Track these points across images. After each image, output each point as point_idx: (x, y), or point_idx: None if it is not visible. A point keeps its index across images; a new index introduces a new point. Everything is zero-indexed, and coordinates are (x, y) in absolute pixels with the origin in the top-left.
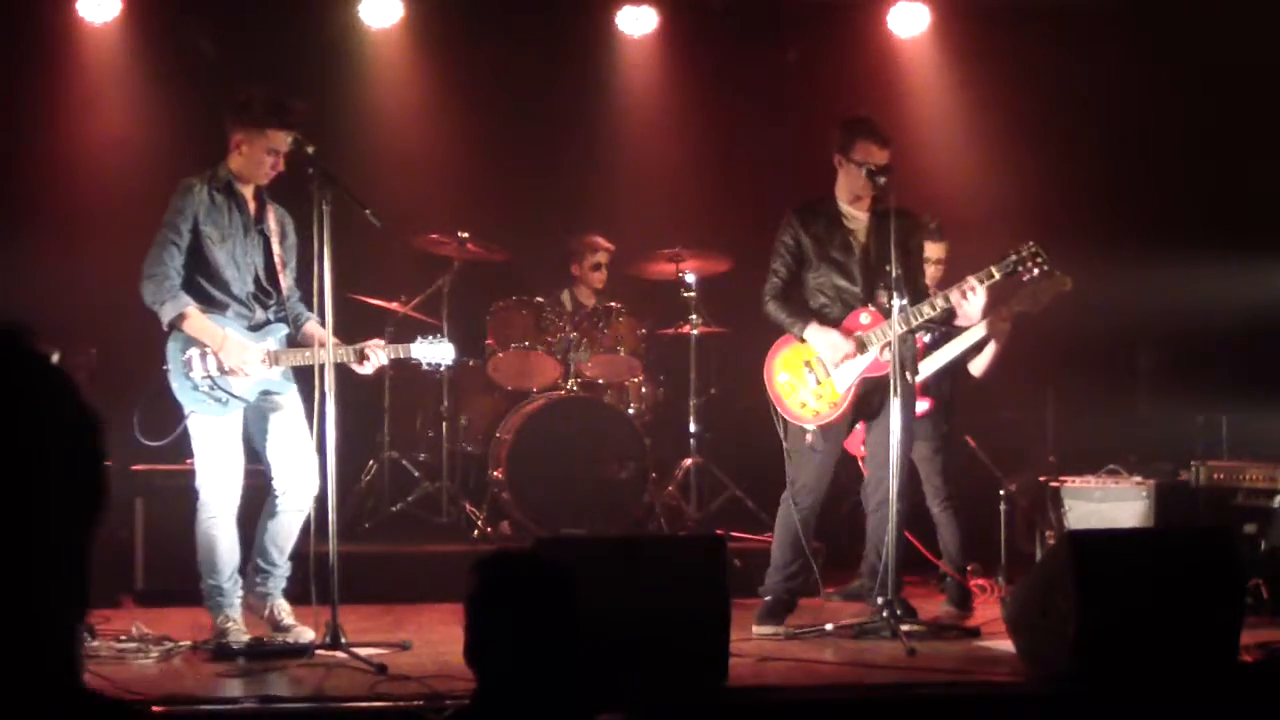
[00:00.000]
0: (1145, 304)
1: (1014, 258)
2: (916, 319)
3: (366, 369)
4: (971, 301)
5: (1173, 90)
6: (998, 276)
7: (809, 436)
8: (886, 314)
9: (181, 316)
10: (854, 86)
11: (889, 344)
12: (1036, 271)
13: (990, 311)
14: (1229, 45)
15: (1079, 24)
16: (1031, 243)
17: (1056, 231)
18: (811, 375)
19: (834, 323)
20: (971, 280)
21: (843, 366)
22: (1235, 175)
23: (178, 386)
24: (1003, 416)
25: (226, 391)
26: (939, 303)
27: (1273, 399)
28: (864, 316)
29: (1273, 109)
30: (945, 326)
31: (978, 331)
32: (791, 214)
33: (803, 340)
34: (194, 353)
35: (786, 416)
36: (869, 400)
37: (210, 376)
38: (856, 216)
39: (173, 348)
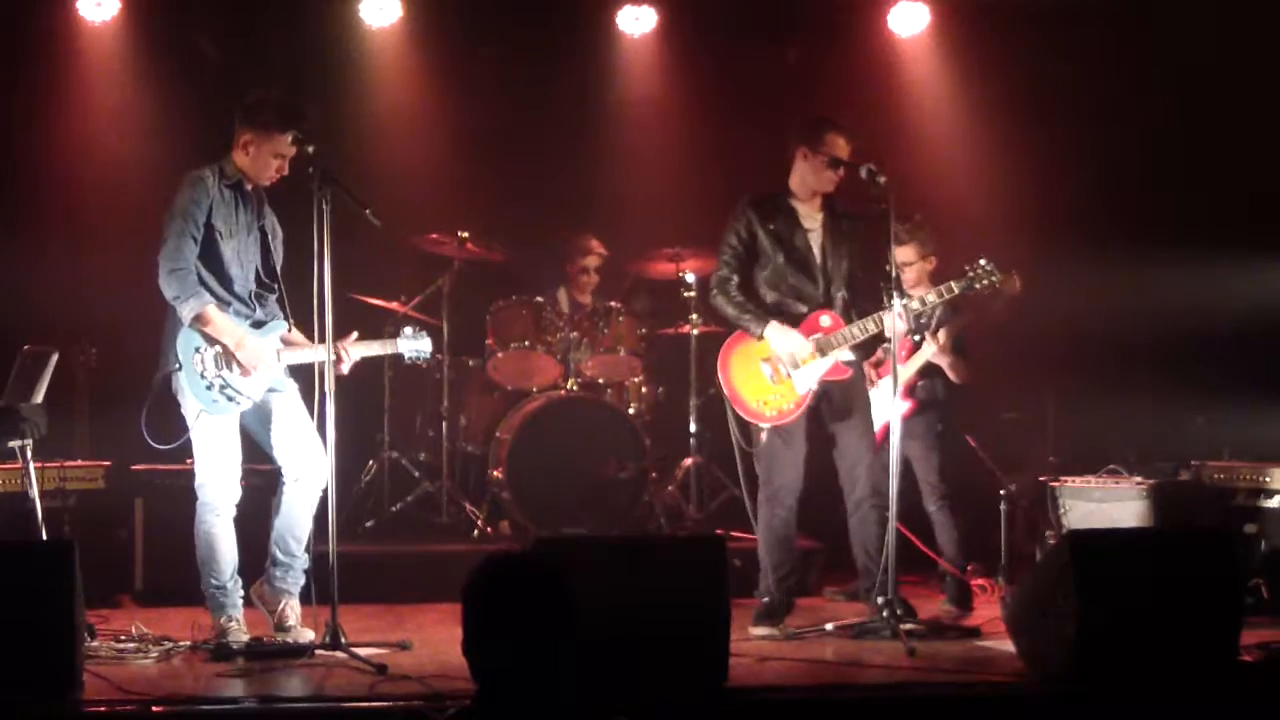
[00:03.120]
0: (1145, 304)
1: (970, 275)
2: (876, 325)
3: (343, 369)
4: (898, 325)
5: (1172, 90)
6: (957, 291)
7: (763, 435)
8: (845, 318)
9: (203, 314)
10: (854, 86)
11: (851, 348)
12: (989, 283)
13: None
14: (1228, 45)
15: (1078, 23)
16: (981, 260)
17: (1055, 230)
18: (770, 373)
19: (793, 322)
20: (897, 306)
21: (804, 369)
22: (1235, 174)
23: (190, 384)
24: (1003, 416)
25: (236, 390)
26: (870, 324)
27: (1272, 399)
28: (824, 319)
29: (1272, 108)
30: (922, 333)
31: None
32: (747, 206)
33: (761, 339)
34: (206, 351)
35: (744, 415)
36: (828, 402)
37: (221, 374)
38: (812, 215)
39: (184, 345)
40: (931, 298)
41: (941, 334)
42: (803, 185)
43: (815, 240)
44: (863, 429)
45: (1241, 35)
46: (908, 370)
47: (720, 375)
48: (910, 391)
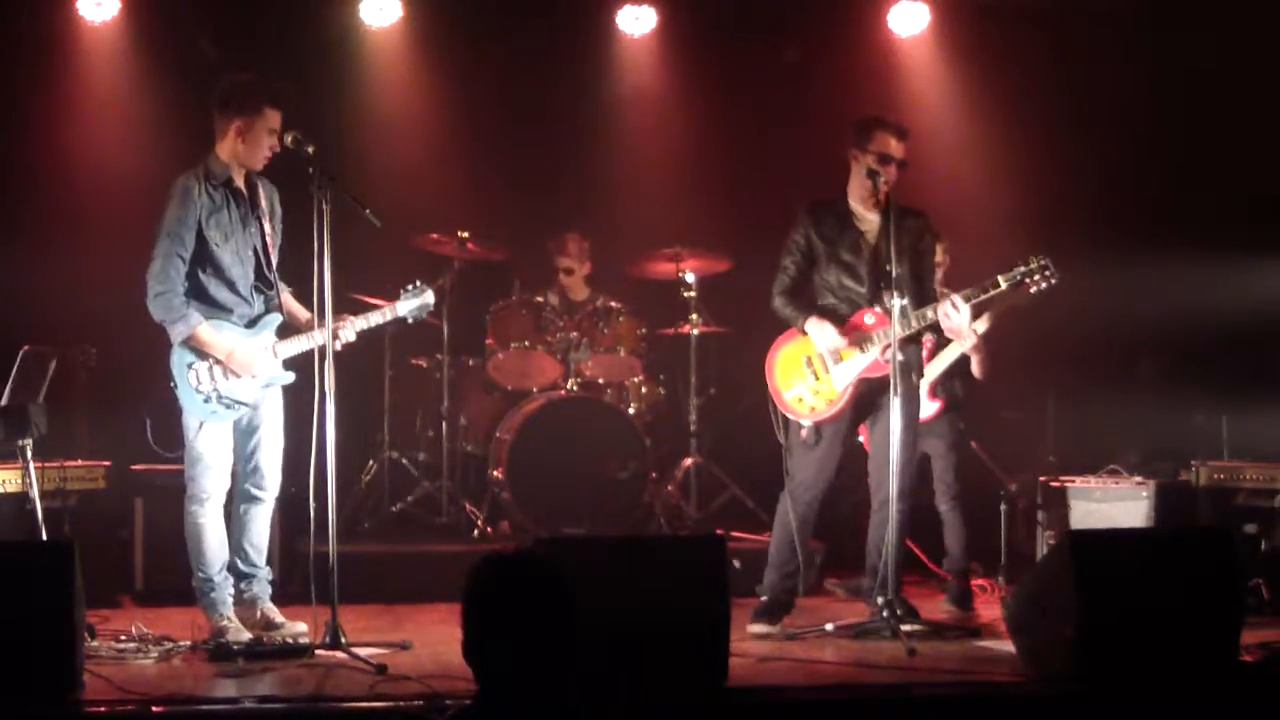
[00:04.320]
0: (1145, 304)
1: (1022, 269)
2: (920, 322)
3: (337, 345)
4: (953, 317)
5: (1172, 90)
6: (1004, 287)
7: (803, 432)
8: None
9: (192, 336)
10: (854, 86)
11: (889, 346)
12: (1044, 285)
13: (978, 316)
14: (1228, 45)
15: (1079, 23)
16: (1041, 256)
17: (1056, 231)
18: (810, 372)
19: (839, 322)
20: (954, 297)
21: (842, 365)
22: (1235, 175)
23: (187, 400)
24: (1003, 416)
25: (233, 399)
26: (929, 314)
27: (1273, 399)
28: (868, 317)
29: (1272, 109)
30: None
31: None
32: (804, 212)
33: (804, 332)
34: (199, 366)
35: (784, 411)
36: (869, 401)
37: (217, 386)
38: (867, 217)
39: (177, 362)
40: (958, 299)
41: (984, 321)
42: (859, 186)
43: (867, 241)
44: (898, 429)
45: (1243, 34)
46: (934, 369)
47: (766, 372)
48: (936, 390)
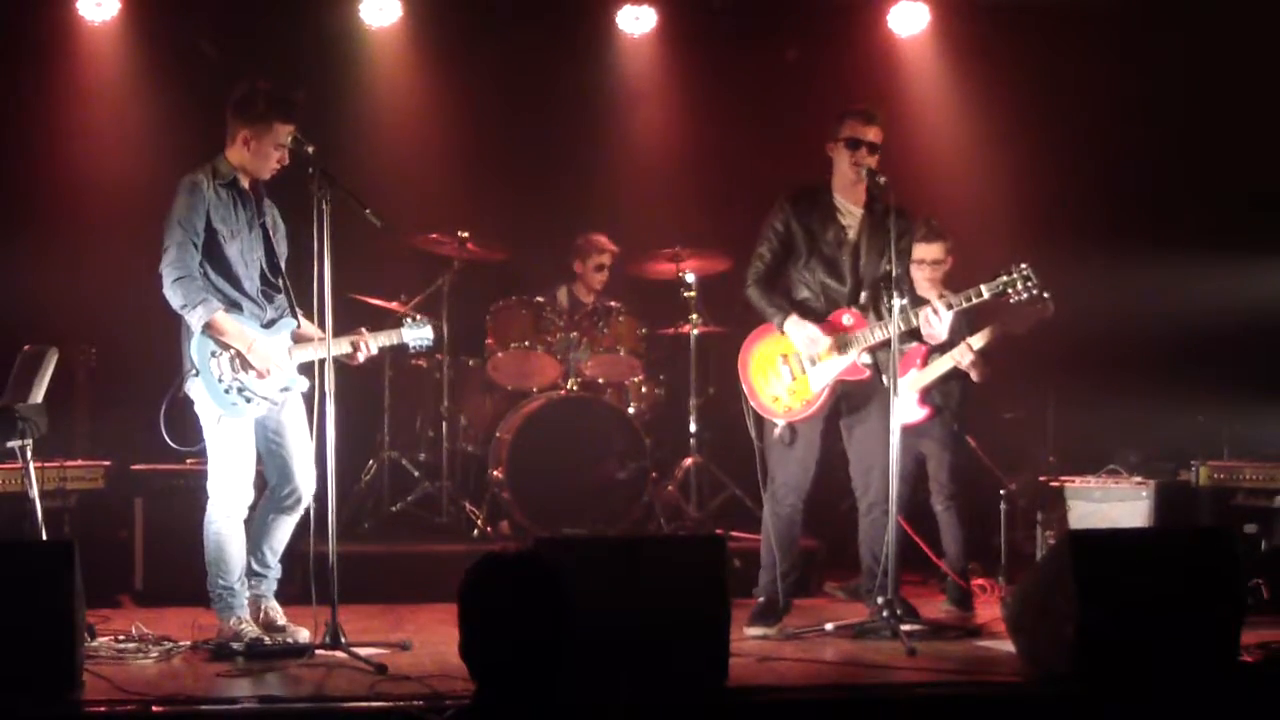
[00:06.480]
0: (1145, 304)
1: (1004, 279)
2: (904, 324)
3: (360, 359)
4: (934, 324)
5: (1171, 89)
6: (986, 296)
7: (778, 430)
8: (870, 316)
9: (212, 321)
10: (854, 86)
11: (870, 348)
12: (1025, 295)
13: (975, 330)
14: (1228, 44)
15: (1079, 23)
16: (1024, 265)
17: (1056, 230)
18: (786, 370)
19: (817, 319)
20: (936, 303)
21: (820, 365)
22: (1235, 174)
23: (209, 389)
24: (1003, 416)
25: (253, 392)
26: (910, 318)
27: (1273, 399)
28: (846, 317)
29: (1272, 108)
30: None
31: (961, 352)
32: (785, 199)
33: (782, 332)
34: (222, 356)
35: (757, 409)
36: (846, 403)
37: (238, 378)
38: (851, 211)
39: (199, 351)
40: (940, 305)
41: (981, 338)
42: (840, 178)
43: (850, 237)
44: (879, 432)
45: (1243, 34)
46: (926, 376)
47: (739, 368)
48: (926, 396)
